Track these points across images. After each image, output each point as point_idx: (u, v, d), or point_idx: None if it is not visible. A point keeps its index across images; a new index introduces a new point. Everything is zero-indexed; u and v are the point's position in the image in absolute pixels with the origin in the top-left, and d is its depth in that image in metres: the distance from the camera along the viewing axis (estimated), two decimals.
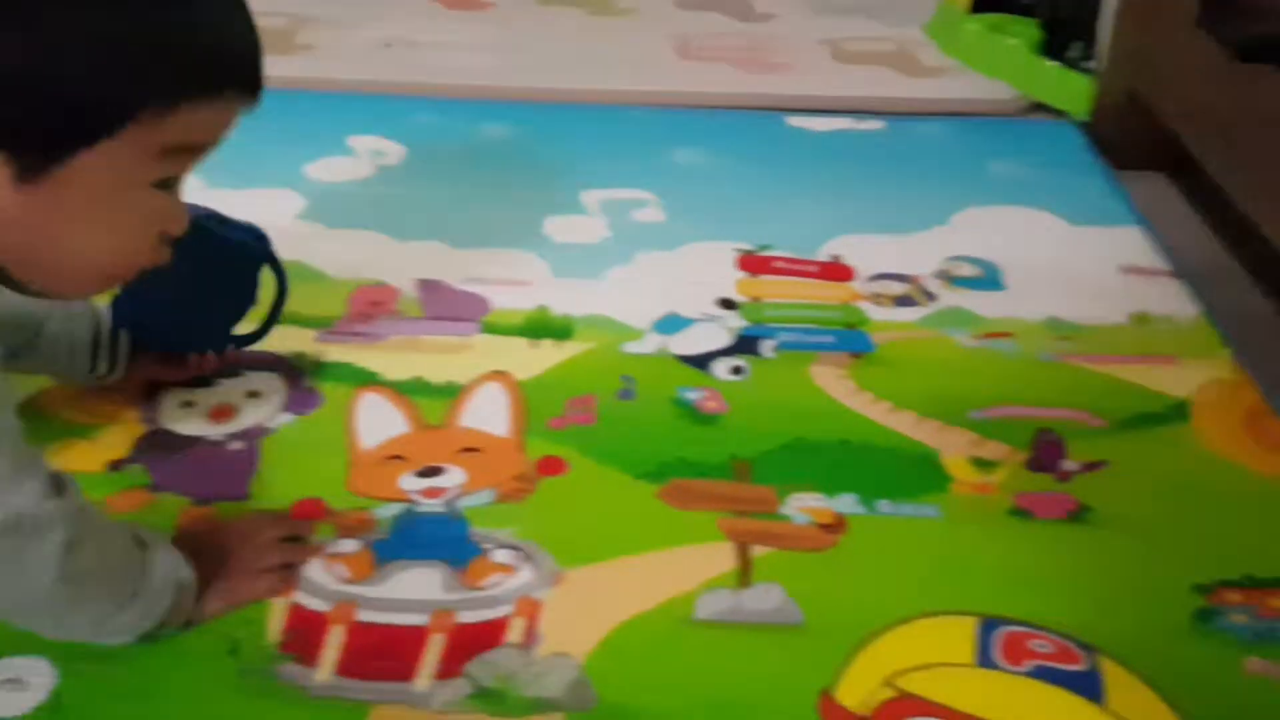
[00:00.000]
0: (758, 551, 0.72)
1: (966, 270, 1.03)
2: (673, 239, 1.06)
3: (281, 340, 0.87)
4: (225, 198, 0.80)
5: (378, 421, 0.81)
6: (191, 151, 0.58)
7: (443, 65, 1.39)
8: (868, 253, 1.05)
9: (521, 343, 0.91)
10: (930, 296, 0.99)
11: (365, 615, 0.66)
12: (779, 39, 1.51)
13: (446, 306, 0.95)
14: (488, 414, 0.82)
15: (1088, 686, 0.63)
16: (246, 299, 0.80)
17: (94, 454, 0.76)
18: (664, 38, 1.50)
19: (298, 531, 0.70)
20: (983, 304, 0.98)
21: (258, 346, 0.83)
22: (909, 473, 0.79)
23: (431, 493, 0.75)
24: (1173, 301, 0.99)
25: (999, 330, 0.94)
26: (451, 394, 0.84)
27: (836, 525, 0.74)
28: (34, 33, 0.51)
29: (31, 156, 0.53)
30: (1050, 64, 1.36)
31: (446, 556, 0.70)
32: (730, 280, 1.00)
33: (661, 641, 0.65)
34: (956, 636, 0.66)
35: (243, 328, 0.81)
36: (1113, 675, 0.64)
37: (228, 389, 0.83)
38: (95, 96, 0.53)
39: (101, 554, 0.59)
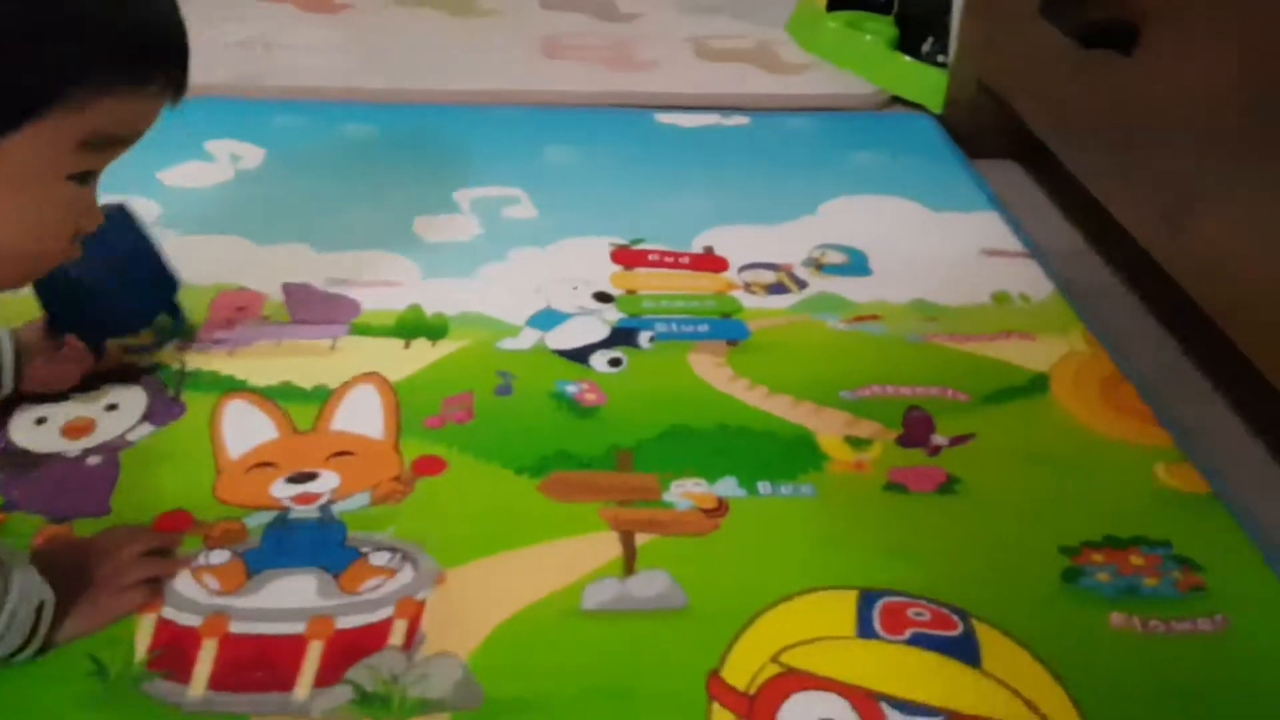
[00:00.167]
0: (642, 539, 0.72)
1: (834, 257, 1.05)
2: (546, 235, 1.05)
3: (141, 351, 0.84)
4: None
5: (245, 429, 0.78)
6: (112, 145, 0.56)
7: (301, 67, 1.36)
8: (739, 243, 1.06)
9: (394, 343, 0.89)
10: (801, 284, 1.01)
11: (239, 627, 0.64)
12: (644, 38, 1.52)
13: (314, 310, 0.92)
14: (361, 416, 0.80)
15: (965, 650, 0.65)
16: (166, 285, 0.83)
17: None
18: (529, 38, 1.49)
19: (162, 545, 0.67)
20: (851, 289, 1.00)
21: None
22: (786, 454, 0.80)
23: (304, 499, 0.73)
24: (1029, 281, 1.03)
25: (867, 314, 0.97)
26: (322, 398, 0.82)
27: (718, 509, 0.74)
28: None
29: None
30: (906, 59, 1.41)
31: (322, 563, 0.68)
32: (605, 274, 1.00)
33: (548, 634, 0.65)
34: (838, 610, 0.67)
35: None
36: (987, 638, 0.66)
37: (83, 403, 0.79)
38: (18, 80, 0.50)
39: None
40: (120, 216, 0.79)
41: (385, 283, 0.96)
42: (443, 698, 0.60)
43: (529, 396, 0.84)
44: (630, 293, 0.98)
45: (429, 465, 0.77)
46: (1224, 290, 0.83)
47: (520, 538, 0.71)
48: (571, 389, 0.85)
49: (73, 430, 0.77)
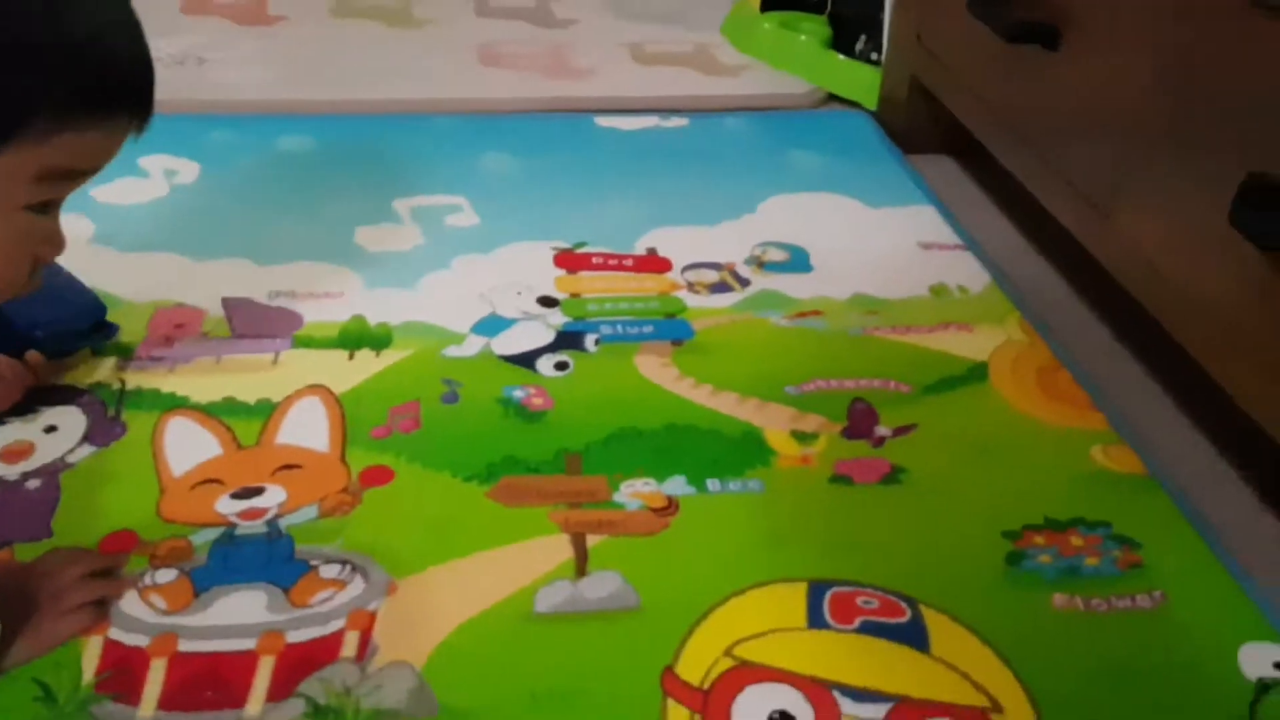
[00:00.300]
0: (593, 541, 0.72)
1: (776, 255, 1.06)
2: (489, 242, 1.05)
3: (78, 371, 0.83)
4: None
5: (188, 446, 0.78)
6: (73, 177, 0.55)
7: (236, 81, 1.34)
8: (681, 244, 1.07)
9: (338, 355, 0.88)
10: (743, 282, 1.02)
11: (188, 645, 0.63)
12: (581, 44, 1.53)
13: (256, 324, 0.91)
14: (306, 429, 0.80)
15: (913, 636, 0.66)
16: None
17: None
18: (466, 46, 1.49)
19: (106, 565, 0.66)
20: (793, 286, 1.01)
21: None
22: (734, 451, 0.81)
23: (251, 514, 0.72)
24: (967, 273, 1.05)
25: (810, 309, 0.98)
26: (266, 412, 0.81)
27: (668, 508, 0.75)
28: None
29: None
30: (840, 58, 1.43)
31: (271, 577, 0.68)
32: (549, 278, 1.00)
33: (502, 639, 0.65)
34: (788, 602, 0.68)
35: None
36: (935, 623, 0.67)
37: (21, 425, 0.78)
38: None
39: None
40: None
41: (327, 294, 0.96)
42: (397, 707, 0.60)
43: (476, 403, 0.84)
44: (575, 296, 0.98)
45: (377, 476, 0.76)
46: (1151, 277, 0.86)
47: (471, 544, 0.71)
48: (518, 394, 0.85)
49: (10, 454, 0.76)
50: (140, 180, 1.12)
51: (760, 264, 1.05)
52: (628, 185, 1.17)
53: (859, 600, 0.68)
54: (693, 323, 0.95)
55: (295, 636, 0.64)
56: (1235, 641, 0.67)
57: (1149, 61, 0.86)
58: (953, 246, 1.09)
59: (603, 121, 1.31)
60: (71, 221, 1.06)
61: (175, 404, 0.82)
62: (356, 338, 0.90)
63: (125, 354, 0.86)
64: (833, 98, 1.42)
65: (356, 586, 0.67)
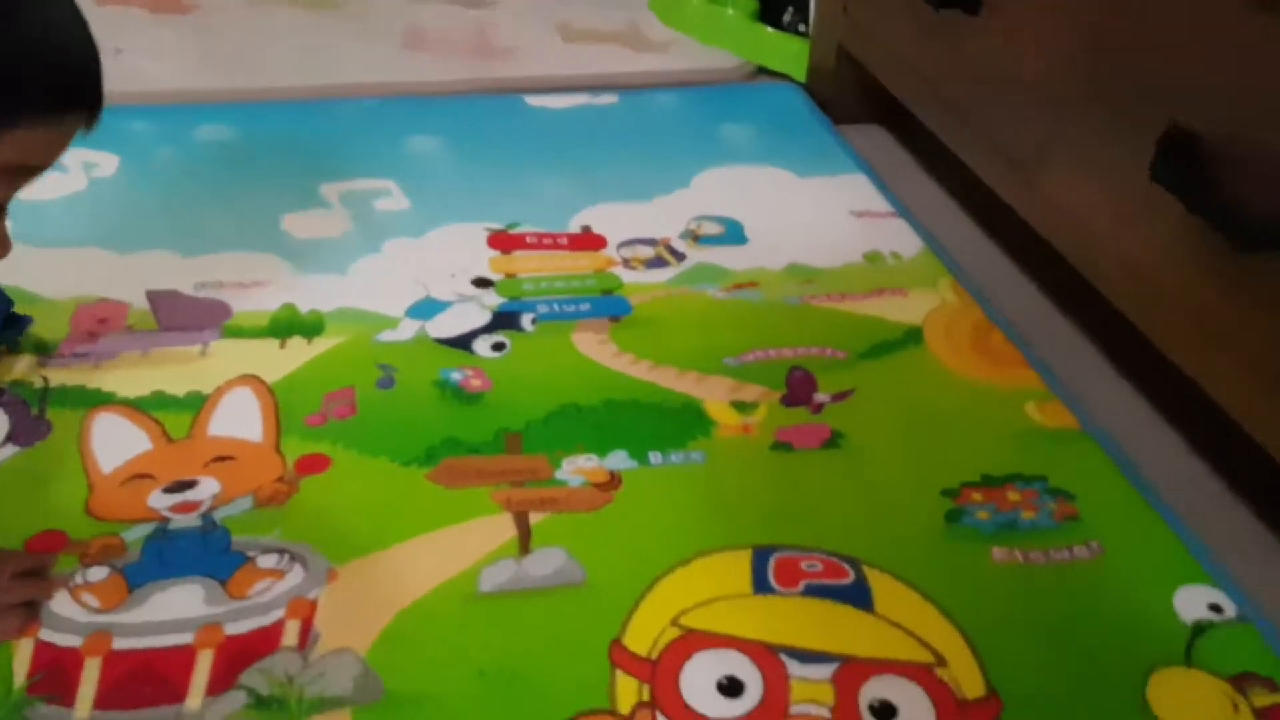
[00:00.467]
0: (536, 518, 0.72)
1: (711, 228, 1.06)
2: (420, 225, 1.04)
3: None
4: None
5: (116, 442, 0.76)
6: (23, 173, 0.53)
7: (154, 71, 1.31)
8: (616, 221, 1.06)
9: (269, 344, 0.87)
10: (679, 256, 1.02)
11: (123, 643, 0.61)
12: (507, 23, 1.51)
13: (182, 316, 0.89)
14: (238, 420, 0.78)
15: (857, 596, 0.67)
16: None
17: None
18: (389, 28, 1.47)
19: (34, 566, 0.65)
20: (729, 258, 1.01)
21: None
22: (675, 424, 0.81)
23: (184, 507, 0.71)
24: (899, 239, 1.06)
25: (746, 281, 0.98)
26: (196, 405, 0.79)
27: (610, 482, 0.75)
28: None
29: None
30: (768, 30, 1.43)
31: (208, 570, 0.66)
32: (483, 260, 0.99)
33: (447, 620, 0.64)
34: (733, 569, 0.68)
35: None
36: (878, 582, 0.68)
37: None
38: None
39: None
40: None
41: (256, 283, 0.94)
42: (341, 694, 0.59)
43: (412, 387, 0.83)
44: (510, 276, 0.97)
45: (313, 464, 0.75)
46: (1077, 235, 0.87)
47: (412, 528, 0.70)
48: (456, 376, 0.84)
49: None
50: (57, 174, 1.08)
51: (695, 238, 1.05)
52: (560, 164, 1.16)
53: (803, 564, 0.68)
54: (630, 298, 0.95)
55: (234, 628, 0.63)
56: (1171, 586, 0.68)
57: (1068, 22, 0.87)
58: (885, 214, 1.10)
59: (533, 101, 1.30)
60: None
61: (102, 400, 0.80)
62: (287, 326, 0.89)
63: (47, 351, 0.84)
64: (762, 70, 1.42)
65: (296, 575, 0.66)
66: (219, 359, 0.85)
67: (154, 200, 1.06)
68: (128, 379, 0.82)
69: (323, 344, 0.87)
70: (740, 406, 0.82)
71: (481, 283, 0.96)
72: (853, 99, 1.31)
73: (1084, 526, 0.72)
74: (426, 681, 0.60)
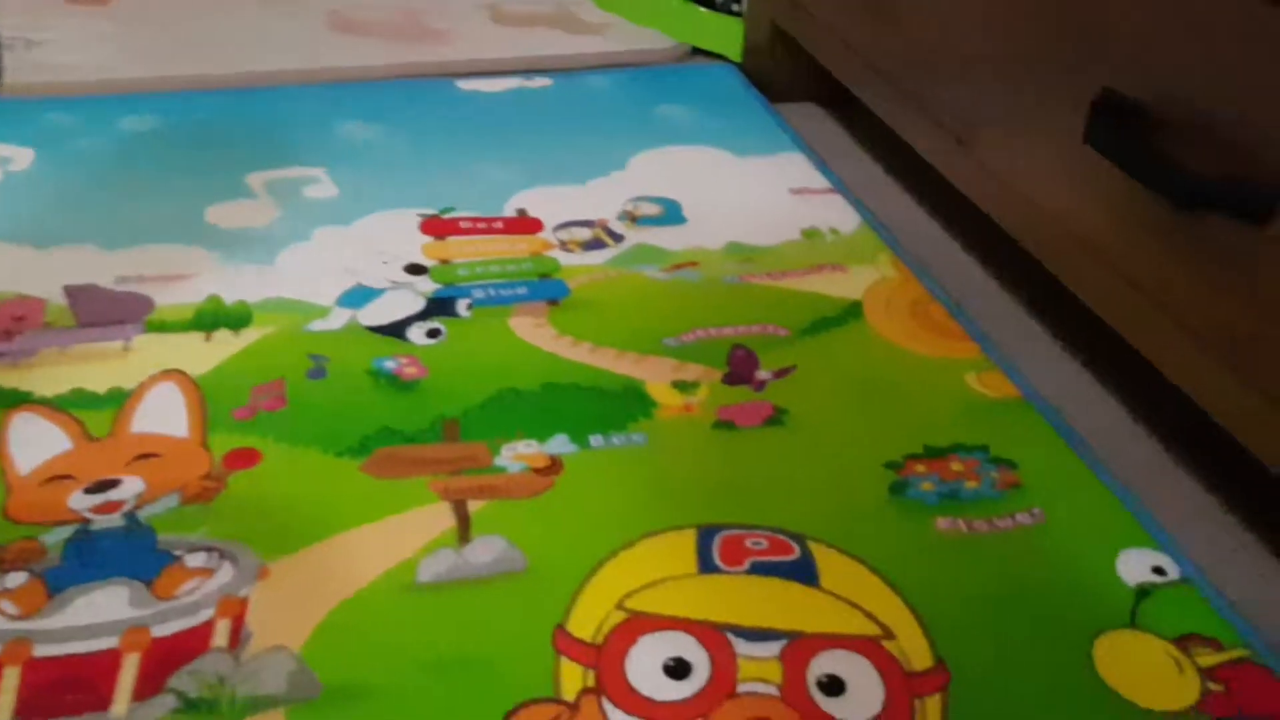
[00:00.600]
0: (474, 506, 0.70)
1: (648, 209, 1.05)
2: (350, 213, 1.01)
3: None
4: None
5: (34, 442, 0.73)
6: None
7: (70, 62, 1.27)
8: (552, 204, 1.05)
9: (194, 337, 0.84)
10: (617, 237, 1.00)
11: (44, 650, 0.59)
12: (436, 5, 1.48)
13: (102, 311, 0.86)
14: (162, 416, 0.76)
15: (803, 572, 0.66)
16: None
17: None
18: (314, 12, 1.43)
19: None
20: (667, 239, 1.00)
21: None
22: (616, 406, 0.79)
23: (106, 507, 0.68)
24: (838, 216, 1.05)
25: (685, 261, 0.97)
26: (118, 402, 0.76)
27: (551, 467, 0.73)
28: None
29: None
30: (702, 10, 1.42)
31: (132, 572, 0.64)
32: (416, 246, 0.97)
33: (385, 613, 0.62)
34: (678, 550, 0.67)
35: None
36: (823, 557, 0.67)
37: None
38: None
39: None
40: None
41: (179, 276, 0.91)
42: (275, 693, 0.57)
43: (345, 377, 0.81)
44: (444, 262, 0.95)
45: (242, 458, 0.73)
46: (1016, 205, 0.87)
47: (347, 520, 0.68)
48: (390, 364, 0.82)
49: None
50: None
51: (633, 219, 1.03)
52: (494, 148, 1.14)
53: (748, 542, 0.67)
54: (567, 281, 0.93)
55: (161, 630, 0.60)
56: (1114, 550, 0.68)
57: None
58: (823, 191, 1.10)
59: (464, 85, 1.28)
60: None
61: (19, 400, 0.76)
62: (213, 318, 0.86)
63: None
64: (697, 51, 1.41)
65: (225, 573, 0.64)
66: (142, 354, 0.82)
67: (72, 193, 1.03)
68: (47, 377, 0.78)
69: (250, 335, 0.84)
70: (682, 386, 0.81)
71: (415, 269, 0.94)
72: (788, 77, 1.31)
73: (1026, 494, 0.72)
74: (364, 676, 0.59)
